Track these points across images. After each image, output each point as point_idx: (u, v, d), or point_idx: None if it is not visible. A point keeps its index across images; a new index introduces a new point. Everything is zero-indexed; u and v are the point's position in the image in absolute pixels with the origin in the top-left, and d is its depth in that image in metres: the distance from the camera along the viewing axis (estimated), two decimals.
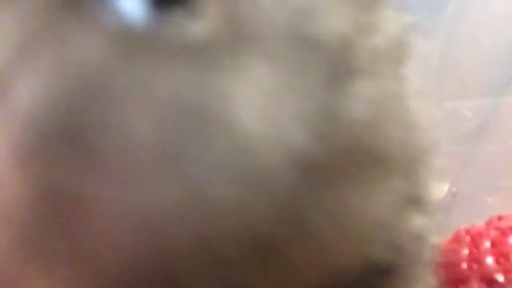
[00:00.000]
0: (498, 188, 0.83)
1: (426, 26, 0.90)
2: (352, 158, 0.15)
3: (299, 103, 0.14)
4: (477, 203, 0.79)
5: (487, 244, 0.28)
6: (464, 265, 0.27)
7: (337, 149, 0.15)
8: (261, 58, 0.14)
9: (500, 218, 0.29)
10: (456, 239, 0.29)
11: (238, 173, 0.14)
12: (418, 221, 0.19)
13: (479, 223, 0.31)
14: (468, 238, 0.28)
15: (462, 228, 0.30)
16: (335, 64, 0.15)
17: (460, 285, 0.27)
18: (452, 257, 0.28)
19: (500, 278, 0.27)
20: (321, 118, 0.15)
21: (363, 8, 0.17)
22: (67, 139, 0.14)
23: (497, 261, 0.27)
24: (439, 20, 0.87)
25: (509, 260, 0.27)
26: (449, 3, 0.87)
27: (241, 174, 0.14)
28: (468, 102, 0.86)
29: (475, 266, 0.27)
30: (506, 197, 0.83)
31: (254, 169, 0.14)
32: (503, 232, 0.28)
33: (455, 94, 0.86)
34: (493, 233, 0.28)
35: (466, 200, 0.79)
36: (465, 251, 0.28)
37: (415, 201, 0.19)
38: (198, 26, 0.14)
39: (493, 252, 0.27)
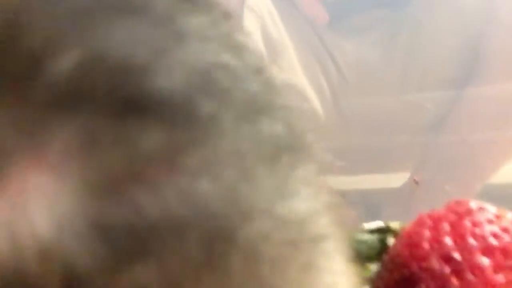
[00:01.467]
0: (454, 177, 0.87)
1: (390, 21, 0.93)
2: None
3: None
4: (435, 191, 0.83)
5: (446, 226, 0.31)
6: (426, 245, 0.31)
7: None
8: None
9: (457, 202, 0.32)
10: (419, 223, 0.32)
11: None
12: None
13: (437, 208, 0.34)
14: (429, 222, 0.32)
15: (424, 212, 0.33)
16: None
17: (422, 262, 0.30)
18: (415, 238, 0.31)
19: (457, 255, 0.30)
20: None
21: None
22: None
23: (454, 241, 0.30)
24: (403, 15, 0.91)
25: (464, 240, 0.30)
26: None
27: None
28: (429, 94, 0.90)
29: (435, 245, 0.30)
30: (462, 185, 0.87)
31: None
32: (460, 216, 0.31)
33: (417, 87, 0.90)
34: (451, 216, 0.31)
35: (425, 188, 0.83)
36: (427, 233, 0.31)
37: None
38: None
39: (451, 233, 0.31)
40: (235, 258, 0.17)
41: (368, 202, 0.86)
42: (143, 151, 0.16)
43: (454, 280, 0.29)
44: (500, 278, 0.29)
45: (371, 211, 0.84)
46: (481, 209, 0.32)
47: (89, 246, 0.15)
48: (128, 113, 0.16)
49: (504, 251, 0.30)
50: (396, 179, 0.89)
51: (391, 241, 0.34)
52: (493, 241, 0.30)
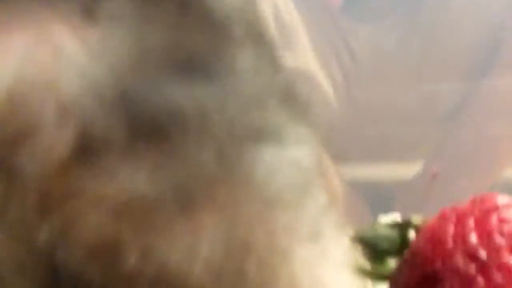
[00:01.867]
0: (469, 169, 0.86)
1: (408, 6, 0.92)
2: None
3: None
4: (449, 182, 0.82)
5: (471, 223, 0.30)
6: (450, 241, 0.29)
7: None
8: None
9: (483, 197, 0.31)
10: (442, 218, 0.31)
11: None
12: None
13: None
14: (453, 217, 0.30)
15: (447, 207, 0.31)
16: None
17: (446, 259, 0.29)
18: (439, 234, 0.30)
19: (483, 254, 0.29)
20: None
21: None
22: None
23: (480, 239, 0.29)
24: (422, 5, 0.89)
25: (491, 238, 0.29)
26: None
27: None
28: (447, 85, 0.88)
29: (460, 242, 0.29)
30: (476, 177, 0.86)
31: None
32: (486, 212, 0.30)
33: (434, 76, 0.89)
34: (476, 212, 0.30)
35: (438, 179, 0.81)
36: (451, 229, 0.30)
37: None
38: None
39: (476, 230, 0.29)
40: (248, 187, 0.17)
41: (379, 191, 0.85)
42: (194, 42, 0.17)
43: (480, 280, 0.28)
44: None
45: (383, 200, 0.83)
46: (508, 205, 0.30)
47: (111, 114, 0.16)
48: (189, 11, 0.17)
49: None
50: (409, 170, 0.87)
51: (411, 235, 0.33)
52: None
